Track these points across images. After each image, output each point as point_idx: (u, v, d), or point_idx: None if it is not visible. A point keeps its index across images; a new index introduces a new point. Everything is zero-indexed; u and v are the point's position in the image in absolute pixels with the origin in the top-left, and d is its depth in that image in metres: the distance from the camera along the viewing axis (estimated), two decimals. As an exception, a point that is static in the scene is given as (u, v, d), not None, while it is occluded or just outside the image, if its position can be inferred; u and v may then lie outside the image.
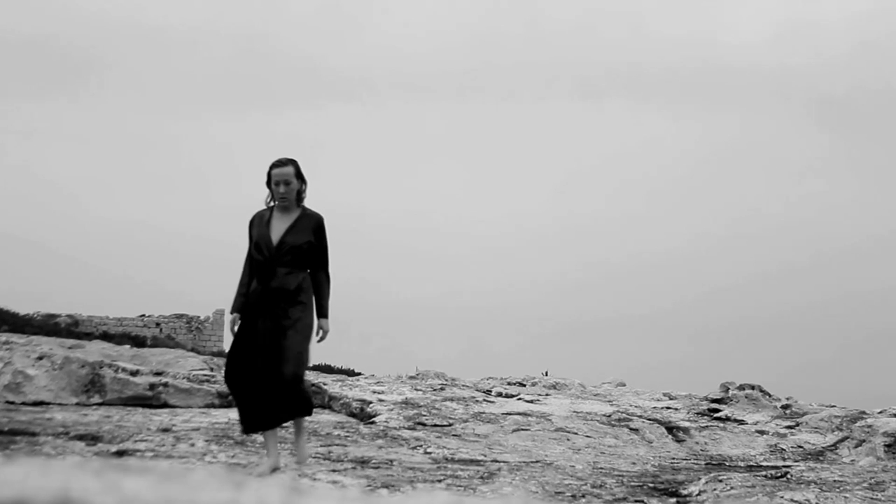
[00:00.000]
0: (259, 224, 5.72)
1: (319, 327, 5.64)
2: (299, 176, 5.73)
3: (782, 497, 5.30)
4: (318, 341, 5.60)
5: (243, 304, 5.65)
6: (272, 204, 5.78)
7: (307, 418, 5.79)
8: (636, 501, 5.31)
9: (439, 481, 5.46)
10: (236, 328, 5.63)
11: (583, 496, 5.34)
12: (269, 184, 5.73)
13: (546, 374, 11.52)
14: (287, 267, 5.61)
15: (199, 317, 39.11)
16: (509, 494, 5.23)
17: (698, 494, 5.57)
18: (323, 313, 5.70)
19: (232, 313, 5.69)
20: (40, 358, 8.50)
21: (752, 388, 9.87)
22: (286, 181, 5.66)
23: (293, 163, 5.72)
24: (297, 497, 1.24)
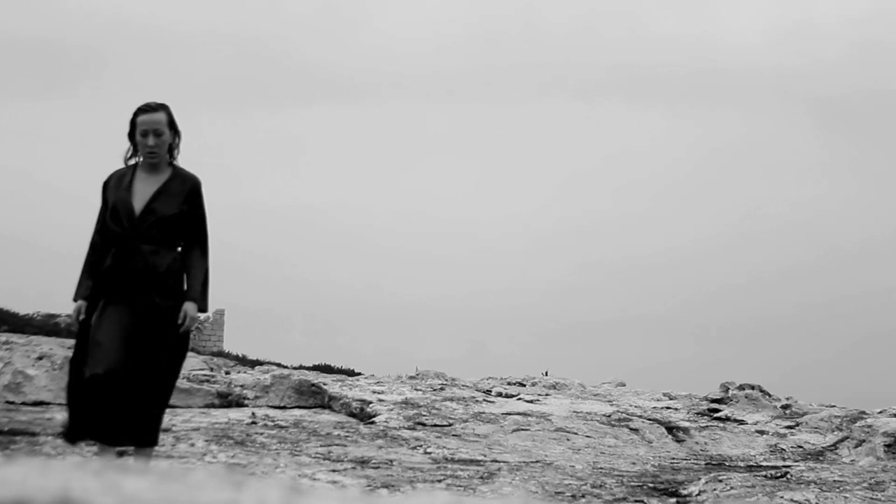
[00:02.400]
0: (117, 186, 4.50)
1: (184, 312, 4.45)
2: (172, 125, 4.55)
3: (782, 497, 5.30)
4: (181, 330, 4.45)
5: (91, 288, 4.47)
6: (135, 161, 4.58)
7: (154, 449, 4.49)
8: (636, 501, 5.31)
9: (439, 481, 5.46)
10: (81, 318, 4.45)
11: (583, 496, 5.35)
12: (132, 135, 4.54)
13: (546, 375, 11.52)
14: (153, 243, 4.43)
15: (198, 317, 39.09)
16: (509, 494, 5.23)
17: (698, 494, 5.57)
18: (192, 295, 4.50)
19: (75, 300, 4.48)
20: (40, 358, 8.50)
21: (752, 388, 9.87)
22: (157, 131, 4.48)
23: (165, 108, 4.55)
24: (297, 497, 1.24)
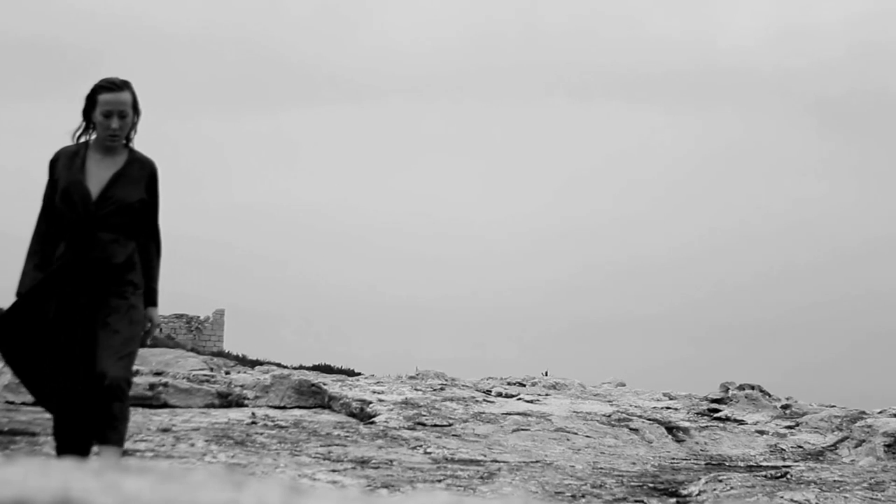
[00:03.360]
0: (68, 167, 4.07)
1: (148, 319, 4.12)
2: (135, 106, 4.11)
3: (782, 497, 5.30)
4: (144, 337, 4.12)
5: (39, 281, 4.02)
6: (84, 140, 4.15)
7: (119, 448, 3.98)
8: (636, 501, 5.31)
9: (439, 481, 5.46)
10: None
11: (583, 496, 5.34)
12: (87, 112, 4.10)
13: (546, 375, 11.52)
14: (113, 231, 4.02)
15: (198, 317, 39.14)
16: (509, 494, 5.23)
17: (698, 494, 5.57)
18: (152, 299, 4.14)
19: (18, 294, 4.06)
20: (40, 358, 8.51)
21: (752, 388, 9.87)
22: (121, 112, 4.04)
23: (129, 87, 4.09)
24: (297, 497, 1.24)
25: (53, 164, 4.14)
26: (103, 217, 4.03)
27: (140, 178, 4.13)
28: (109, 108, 4.04)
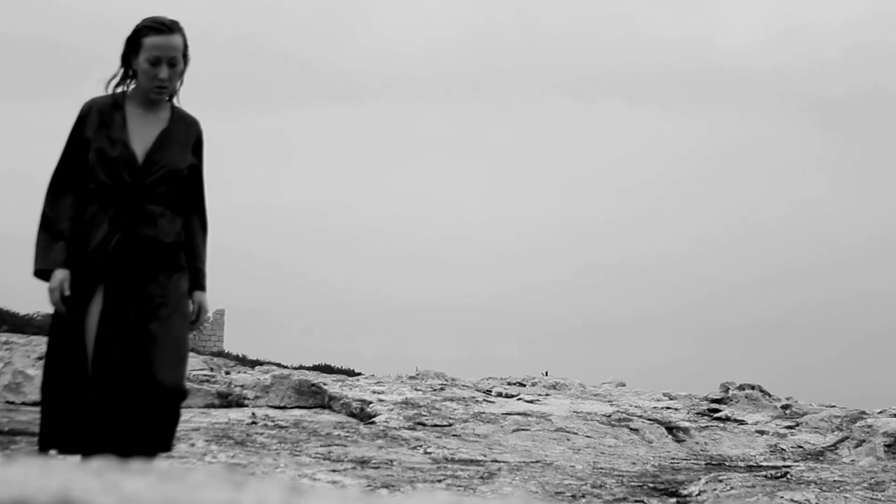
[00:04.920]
0: (106, 123, 3.38)
1: (197, 306, 3.52)
2: (185, 54, 3.45)
3: (782, 497, 5.30)
4: (193, 327, 3.53)
5: (71, 256, 3.31)
6: (122, 91, 3.46)
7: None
8: (636, 501, 5.31)
9: (439, 481, 5.46)
10: (67, 293, 3.29)
11: (583, 496, 5.34)
12: (128, 58, 3.42)
13: (546, 375, 11.52)
14: (161, 203, 3.38)
15: (199, 317, 39.06)
16: (509, 494, 5.23)
17: (698, 494, 5.57)
18: (199, 282, 3.52)
19: (50, 267, 3.29)
20: (40, 358, 8.51)
21: (752, 388, 9.87)
22: (171, 60, 3.38)
23: (181, 29, 3.42)
24: (297, 497, 1.24)
25: (83, 118, 3.42)
26: (151, 186, 3.37)
27: (187, 139, 3.49)
28: (158, 53, 3.36)
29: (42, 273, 3.35)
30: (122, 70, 3.47)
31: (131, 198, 3.35)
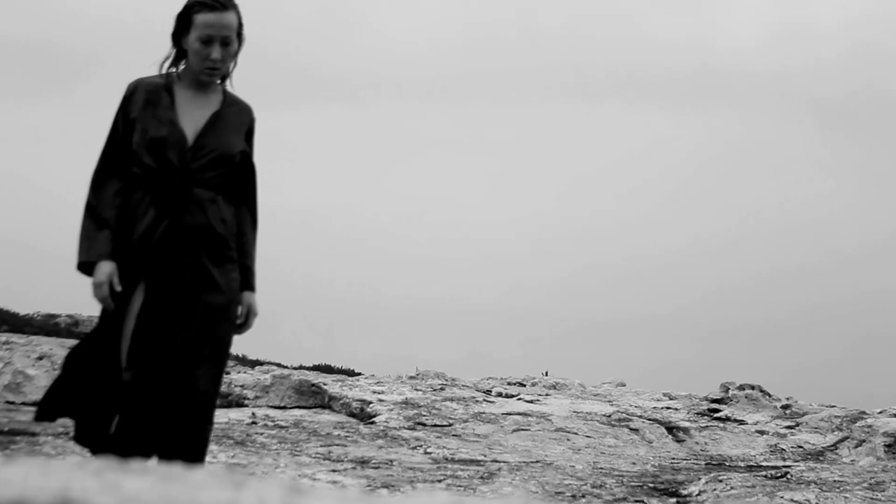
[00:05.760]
0: (153, 104, 3.15)
1: (246, 308, 3.25)
2: (240, 33, 3.25)
3: (782, 497, 5.30)
4: (240, 330, 3.27)
5: (118, 248, 3.07)
6: (172, 72, 3.23)
7: None
8: (636, 501, 5.31)
9: (439, 481, 5.46)
10: (118, 288, 3.03)
11: (583, 496, 5.35)
12: (179, 36, 3.20)
13: (546, 375, 11.52)
14: (212, 189, 3.14)
15: (199, 317, 39.10)
16: (509, 494, 5.23)
17: (698, 494, 5.57)
18: (248, 282, 3.26)
19: (94, 260, 3.04)
20: (40, 358, 8.51)
21: (752, 388, 9.87)
22: (225, 39, 3.16)
23: (235, 6, 3.22)
24: (297, 497, 1.24)
25: (129, 97, 3.19)
26: (201, 170, 3.12)
27: (240, 124, 3.26)
28: (210, 32, 3.14)
29: (85, 266, 3.10)
30: (173, 50, 3.24)
31: (179, 182, 3.09)
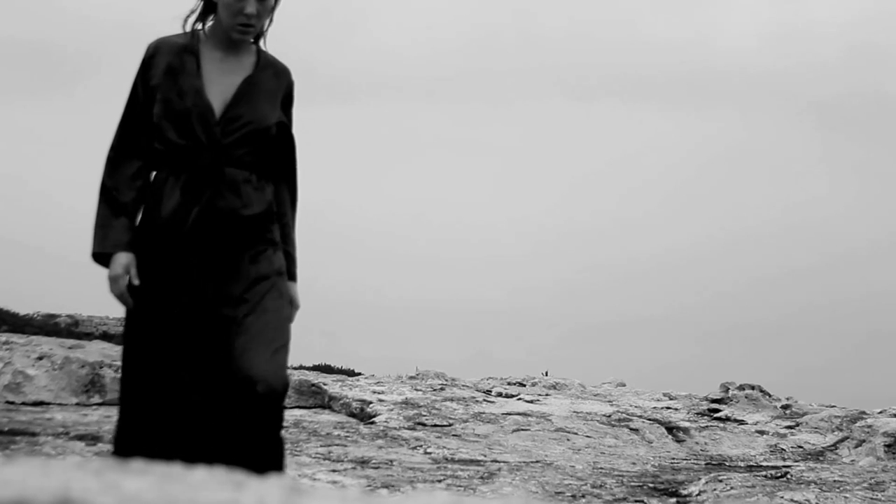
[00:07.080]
0: (177, 70, 2.74)
1: (288, 298, 2.86)
2: None
3: (782, 497, 5.30)
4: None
5: (137, 236, 2.73)
6: (198, 29, 2.83)
7: None
8: (636, 501, 5.31)
9: (439, 481, 5.46)
10: (136, 282, 2.67)
11: (583, 496, 5.35)
12: None
13: (546, 375, 11.52)
14: (246, 168, 2.75)
15: (199, 317, 39.09)
16: (509, 494, 5.23)
17: (698, 494, 5.57)
18: (291, 272, 2.88)
19: (109, 251, 2.69)
20: (40, 358, 8.51)
21: (752, 388, 9.87)
22: None
23: None
24: (297, 497, 1.24)
25: (148, 62, 2.78)
26: (231, 146, 2.72)
27: (276, 91, 2.84)
28: None
29: (100, 257, 2.75)
30: (200, 3, 2.82)
31: (209, 161, 2.69)
